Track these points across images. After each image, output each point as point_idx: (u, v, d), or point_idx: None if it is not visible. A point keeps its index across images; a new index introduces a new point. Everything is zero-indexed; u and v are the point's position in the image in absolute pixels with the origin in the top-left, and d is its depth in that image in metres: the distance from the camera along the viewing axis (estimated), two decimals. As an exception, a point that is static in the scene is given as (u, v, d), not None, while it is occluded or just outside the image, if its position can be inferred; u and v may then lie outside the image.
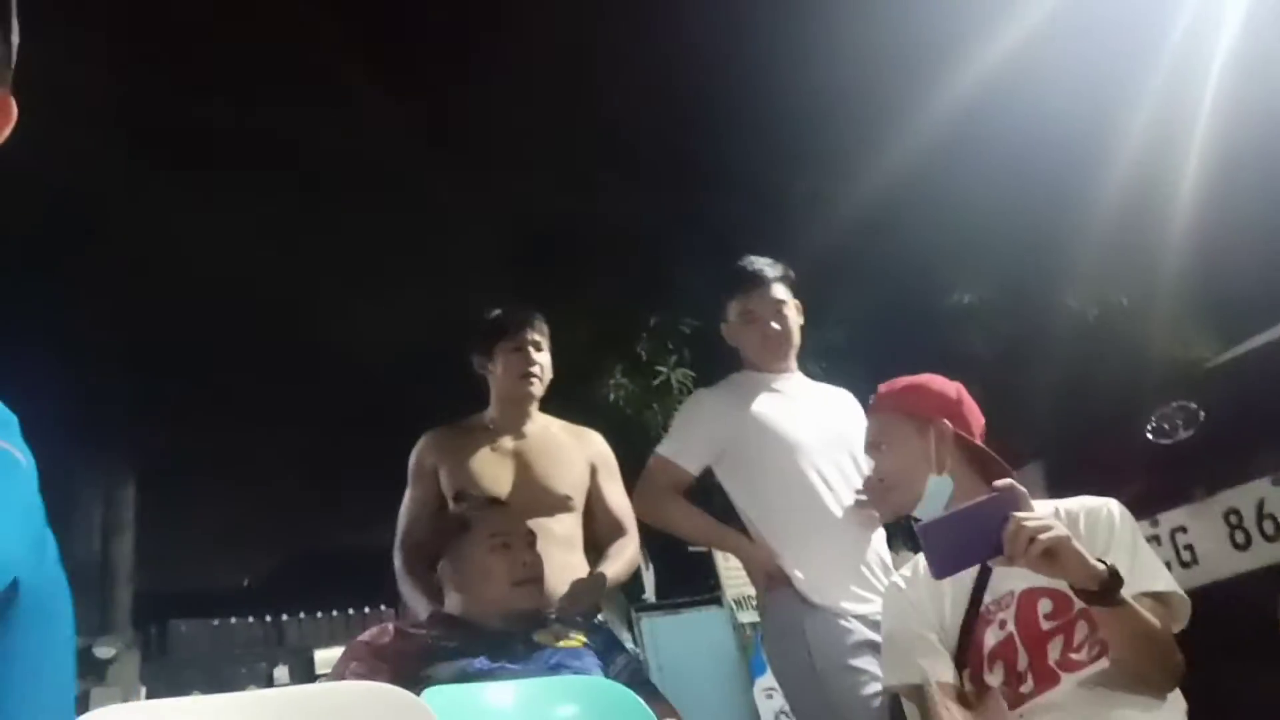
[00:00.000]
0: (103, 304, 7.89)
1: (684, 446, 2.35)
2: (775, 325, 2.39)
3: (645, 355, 7.48)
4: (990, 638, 1.56)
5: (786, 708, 2.95)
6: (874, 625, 2.05)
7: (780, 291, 2.40)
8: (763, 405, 2.35)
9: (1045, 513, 1.50)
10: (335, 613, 8.02)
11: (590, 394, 6.79)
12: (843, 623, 2.13)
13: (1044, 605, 1.55)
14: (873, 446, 1.82)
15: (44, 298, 7.17)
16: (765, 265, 2.43)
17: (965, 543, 1.40)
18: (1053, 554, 1.34)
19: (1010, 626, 1.55)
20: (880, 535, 2.33)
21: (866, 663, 2.07)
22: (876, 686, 2.02)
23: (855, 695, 2.07)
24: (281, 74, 6.93)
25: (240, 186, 7.51)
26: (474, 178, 7.48)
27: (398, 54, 7.31)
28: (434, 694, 1.34)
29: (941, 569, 1.42)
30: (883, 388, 1.86)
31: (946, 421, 1.74)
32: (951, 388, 1.83)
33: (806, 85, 6.38)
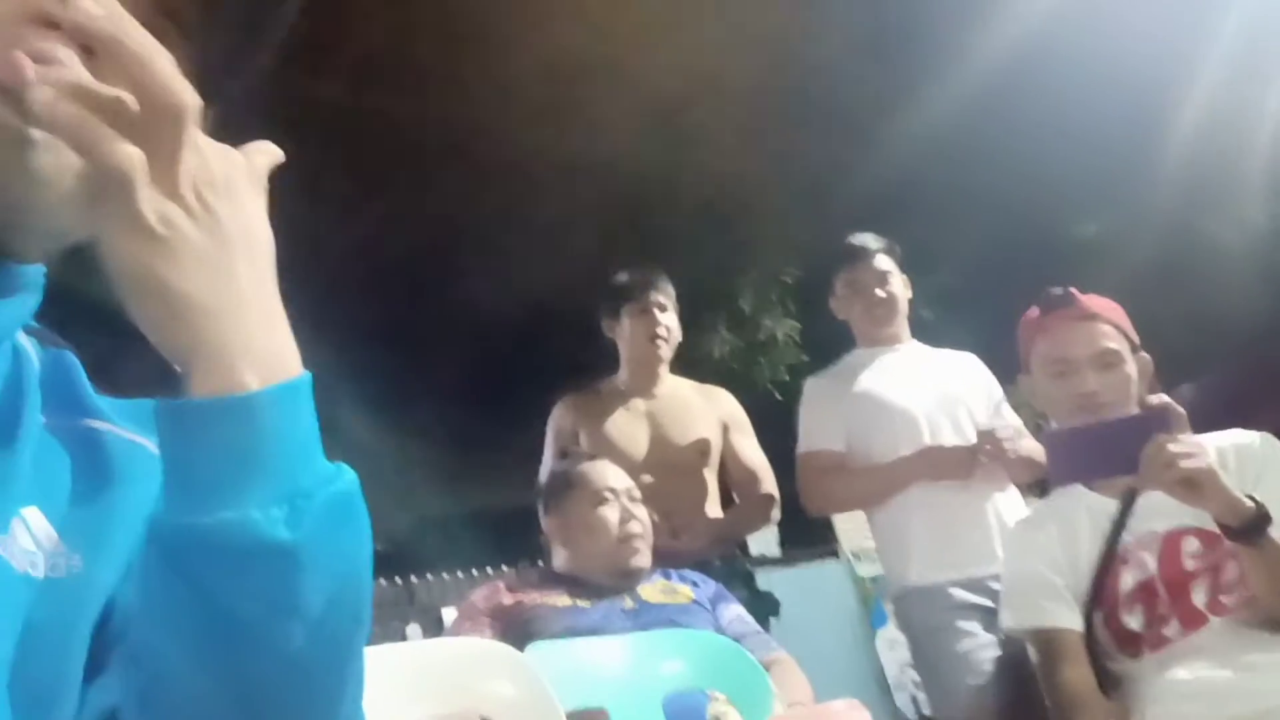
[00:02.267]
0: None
1: (817, 432, 2.38)
2: (880, 294, 2.41)
3: (748, 309, 7.38)
4: (1128, 579, 1.47)
5: (910, 659, 2.94)
6: (983, 588, 2.08)
7: (884, 263, 2.44)
8: (873, 381, 2.36)
9: (1215, 447, 1.40)
10: (461, 573, 8.28)
11: (695, 351, 6.75)
12: (949, 590, 2.15)
13: (1189, 544, 1.45)
14: (1098, 358, 1.63)
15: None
16: (868, 239, 2.46)
17: (1096, 455, 1.31)
18: (1193, 483, 1.25)
19: (1151, 567, 1.45)
20: (1007, 495, 2.25)
21: (970, 624, 2.09)
22: (976, 643, 2.06)
23: (952, 653, 2.10)
24: (393, 58, 7.09)
25: (357, 161, 7.77)
26: (564, 137, 7.49)
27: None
28: (536, 649, 1.35)
29: (1062, 476, 1.34)
30: (1094, 299, 1.72)
31: (1148, 358, 1.66)
32: None
33: (902, 15, 6.08)
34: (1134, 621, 1.45)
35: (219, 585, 0.44)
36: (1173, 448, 1.27)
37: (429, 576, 8.85)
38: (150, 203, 0.44)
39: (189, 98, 0.45)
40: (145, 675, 0.48)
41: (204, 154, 0.47)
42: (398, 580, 9.08)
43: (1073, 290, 1.71)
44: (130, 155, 0.43)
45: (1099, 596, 1.48)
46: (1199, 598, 1.42)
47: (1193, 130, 6.10)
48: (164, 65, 0.44)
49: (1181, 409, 1.36)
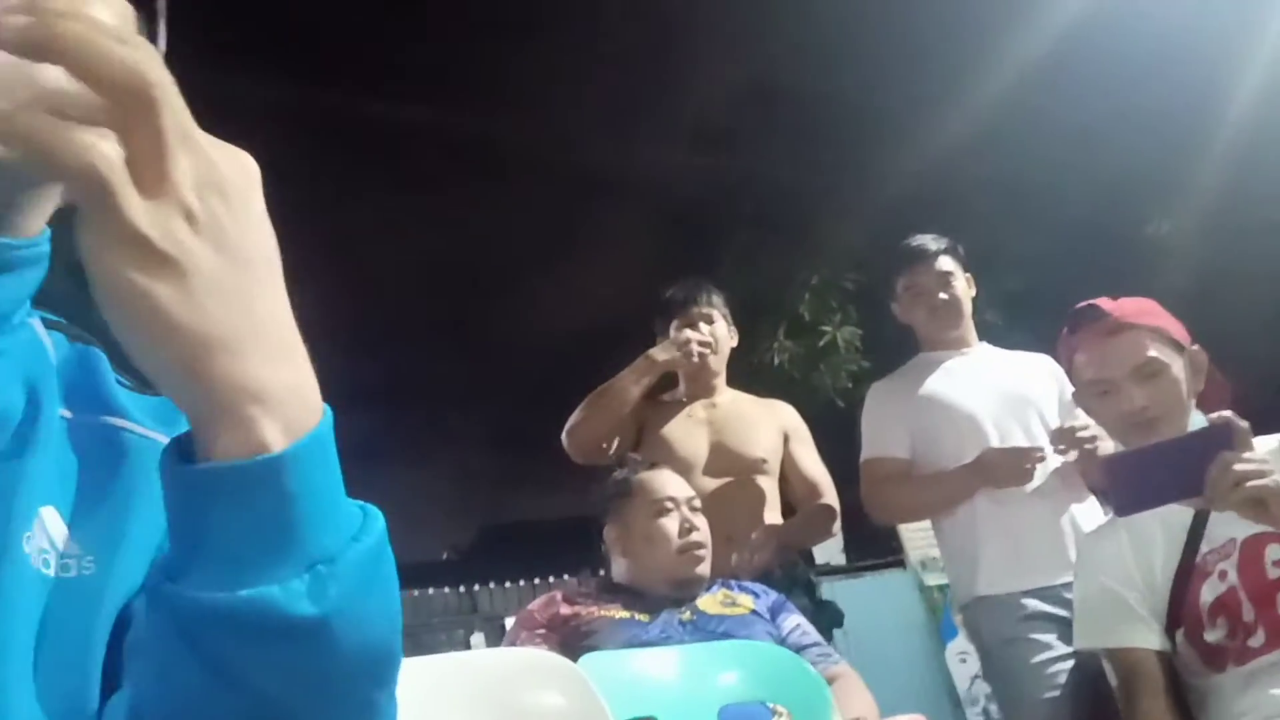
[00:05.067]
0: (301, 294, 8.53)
1: (881, 439, 2.34)
2: (943, 296, 2.36)
3: (808, 315, 7.30)
4: (1208, 592, 1.39)
5: (981, 672, 2.87)
6: (1057, 597, 2.01)
7: (946, 264, 2.38)
8: (938, 385, 2.31)
9: (1267, 449, 1.32)
10: (523, 581, 8.35)
11: (754, 359, 6.69)
12: (1021, 600, 2.08)
13: (1272, 551, 1.37)
14: (1139, 371, 1.55)
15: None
16: (928, 240, 2.41)
17: (1159, 481, 1.25)
18: (1262, 502, 1.18)
19: (1232, 577, 1.38)
20: (1084, 505, 2.18)
21: (1042, 634, 2.03)
22: (1050, 654, 1.99)
23: (1025, 665, 2.03)
24: (450, 75, 7.23)
25: (414, 180, 7.92)
26: (619, 148, 7.52)
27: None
28: (590, 660, 1.34)
29: (1125, 506, 1.28)
30: (1125, 304, 1.63)
31: (1199, 349, 1.57)
32: None
33: (956, 11, 5.97)
34: (1216, 635, 1.38)
35: (237, 661, 0.40)
36: (1238, 467, 1.20)
37: (492, 585, 8.93)
38: (144, 213, 0.37)
39: (159, 74, 0.37)
40: None
41: (202, 151, 0.39)
42: (461, 589, 9.18)
43: (1098, 303, 1.62)
44: (104, 153, 0.36)
45: (1178, 612, 1.41)
46: None
47: (1271, 114, 5.85)
48: (111, 41, 0.36)
49: (1244, 422, 1.28)
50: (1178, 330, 1.60)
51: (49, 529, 0.48)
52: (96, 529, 0.50)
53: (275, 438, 0.39)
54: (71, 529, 0.49)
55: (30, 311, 0.53)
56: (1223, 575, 1.38)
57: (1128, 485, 1.26)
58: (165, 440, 0.49)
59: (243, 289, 0.39)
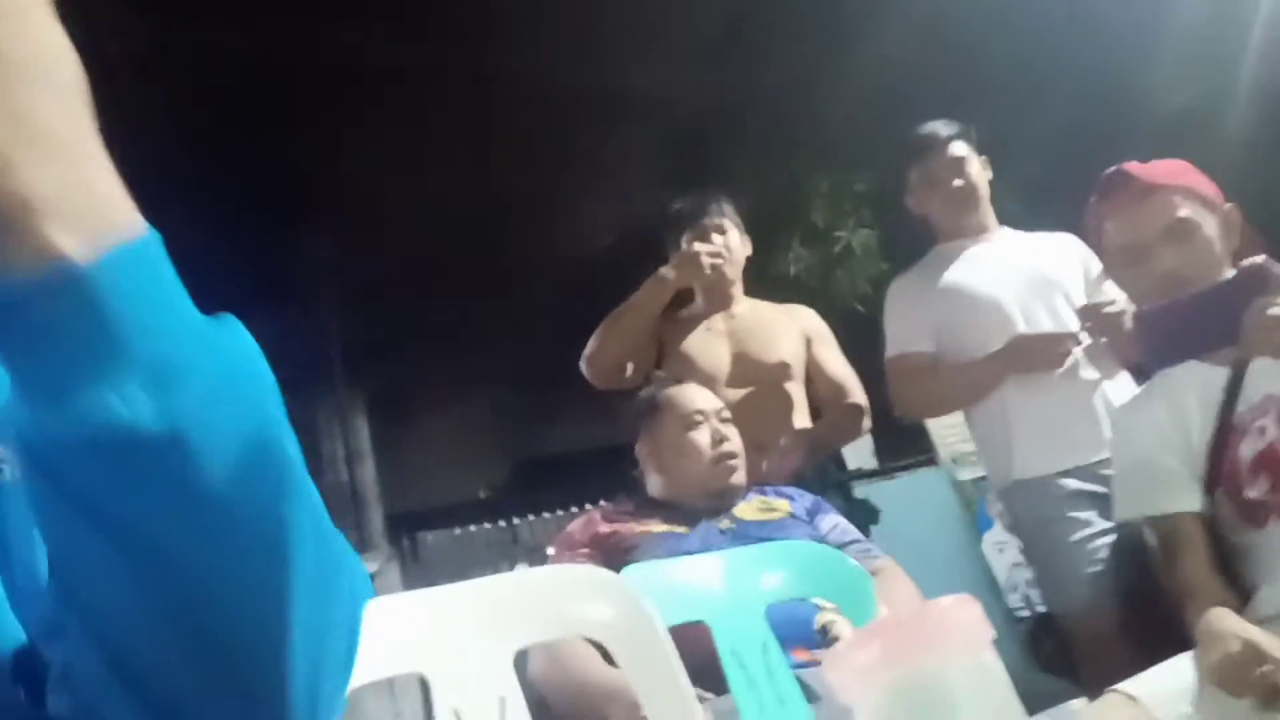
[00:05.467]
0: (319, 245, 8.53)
1: (904, 334, 2.31)
2: (958, 182, 2.30)
3: (821, 222, 7.19)
4: (1247, 449, 1.38)
5: (1020, 558, 2.89)
6: (1094, 474, 2.01)
7: (959, 149, 2.31)
8: (960, 274, 2.26)
9: None
10: (560, 511, 8.50)
11: (769, 269, 6.63)
12: (1058, 480, 2.08)
13: None
14: (1170, 231, 1.51)
15: (268, 248, 7.87)
16: (939, 125, 2.35)
17: (1192, 330, 1.22)
18: None
19: (1272, 433, 1.36)
20: (1116, 382, 2.15)
21: (1081, 512, 2.02)
22: (1090, 530, 2.00)
23: (1065, 544, 2.03)
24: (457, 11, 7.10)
25: (425, 118, 7.85)
26: (618, 70, 7.36)
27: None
28: (632, 571, 1.35)
29: (1161, 359, 1.26)
30: (1155, 167, 1.59)
31: (1234, 206, 1.52)
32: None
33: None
34: (1257, 491, 1.37)
35: (98, 493, 0.37)
36: (1273, 311, 1.17)
37: (531, 518, 9.11)
38: None
39: None
40: (66, 644, 0.43)
41: None
42: (502, 524, 9.37)
43: (1125, 167, 1.57)
44: None
45: (1218, 472, 1.40)
46: None
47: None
48: None
49: (1279, 266, 1.25)
50: (1210, 189, 1.55)
51: None
52: None
53: (72, 246, 0.36)
54: None
55: None
56: (1262, 431, 1.37)
57: (1162, 338, 1.24)
58: None
59: (18, 96, 0.36)
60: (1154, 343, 1.26)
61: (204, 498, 0.38)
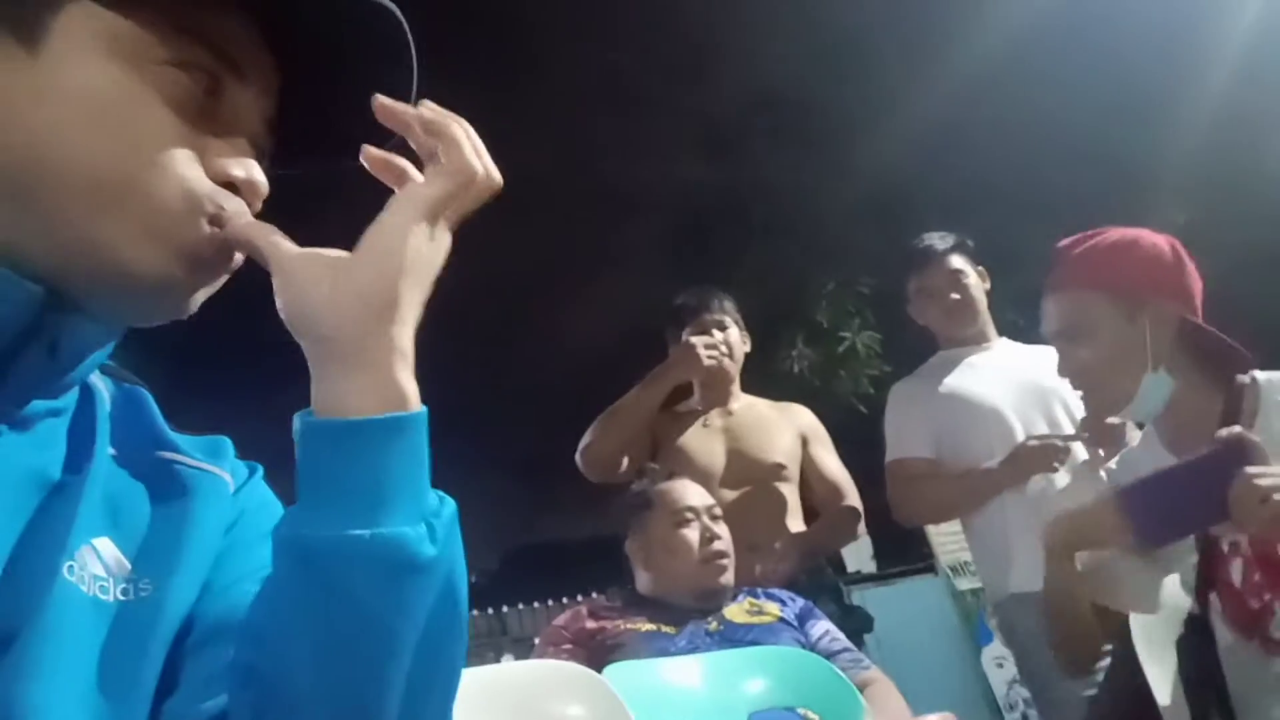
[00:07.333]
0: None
1: (905, 439, 2.32)
2: (955, 295, 2.34)
3: (826, 322, 7.26)
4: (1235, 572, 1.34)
5: (1019, 676, 2.82)
6: None
7: (957, 261, 2.36)
8: (960, 381, 2.29)
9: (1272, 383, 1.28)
10: (551, 601, 8.35)
11: (772, 367, 6.66)
12: None
13: None
14: (1060, 336, 1.43)
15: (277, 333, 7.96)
16: (936, 239, 2.40)
17: (1182, 507, 1.20)
18: None
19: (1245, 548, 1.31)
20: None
21: None
22: None
23: None
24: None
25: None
26: (632, 167, 7.55)
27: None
28: (615, 670, 1.32)
29: (1152, 539, 1.22)
30: (1069, 247, 1.47)
31: (1167, 303, 1.36)
32: (1165, 245, 1.43)
33: (966, 18, 5.95)
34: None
35: (369, 599, 0.47)
36: (1260, 483, 1.15)
37: (520, 606, 8.93)
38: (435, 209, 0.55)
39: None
40: (260, 691, 0.50)
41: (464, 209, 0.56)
42: (490, 610, 9.18)
43: (1063, 248, 1.47)
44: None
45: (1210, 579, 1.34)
46: None
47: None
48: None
49: (1255, 437, 1.22)
50: (1142, 277, 1.41)
51: (105, 558, 0.52)
52: (154, 553, 0.55)
53: (413, 397, 0.49)
54: (129, 555, 0.54)
55: None
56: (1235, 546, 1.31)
57: (1150, 517, 1.21)
58: (215, 471, 0.60)
59: (421, 283, 0.52)
60: (1145, 527, 1.22)
61: (443, 619, 0.50)
